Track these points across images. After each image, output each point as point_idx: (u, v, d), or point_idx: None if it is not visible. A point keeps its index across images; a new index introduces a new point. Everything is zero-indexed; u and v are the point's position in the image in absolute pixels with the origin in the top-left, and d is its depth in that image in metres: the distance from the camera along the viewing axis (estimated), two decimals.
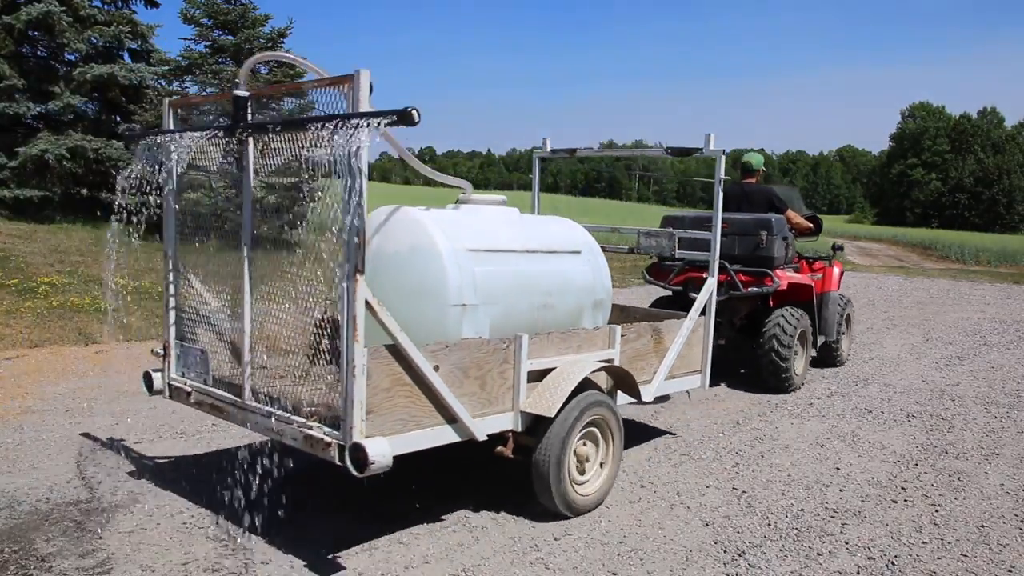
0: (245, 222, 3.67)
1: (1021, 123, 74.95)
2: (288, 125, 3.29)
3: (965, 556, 3.49)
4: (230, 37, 15.58)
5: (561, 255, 4.17)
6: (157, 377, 3.95)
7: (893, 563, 3.38)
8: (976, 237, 37.33)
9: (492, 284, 3.68)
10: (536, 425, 3.60)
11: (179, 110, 4.14)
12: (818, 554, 3.45)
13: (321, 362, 3.16)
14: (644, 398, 4.28)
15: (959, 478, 4.53)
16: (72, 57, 15.64)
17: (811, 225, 7.14)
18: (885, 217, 70.96)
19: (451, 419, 3.26)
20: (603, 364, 3.91)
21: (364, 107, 2.85)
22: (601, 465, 3.92)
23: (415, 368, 3.06)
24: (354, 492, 3.85)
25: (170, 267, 4.04)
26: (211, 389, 3.66)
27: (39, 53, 15.64)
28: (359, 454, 2.79)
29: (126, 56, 16.62)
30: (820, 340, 7.17)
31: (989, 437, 5.41)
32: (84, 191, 15.77)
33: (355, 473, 2.83)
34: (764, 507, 3.96)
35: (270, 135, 3.45)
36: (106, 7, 16.24)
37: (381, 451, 2.82)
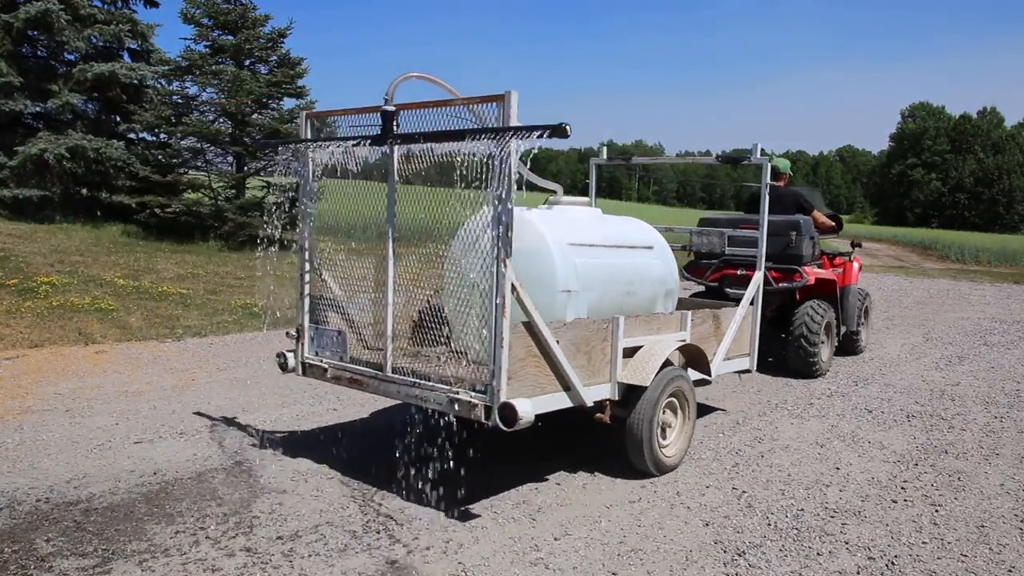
0: (389, 219, 4.16)
1: (1021, 123, 74.95)
2: (439, 136, 3.71)
3: (965, 556, 3.49)
4: (230, 37, 15.58)
5: (639, 249, 4.81)
6: (291, 357, 4.50)
7: (893, 563, 3.39)
8: (976, 237, 37.34)
9: (588, 274, 4.28)
10: (628, 395, 4.19)
11: (314, 121, 4.62)
12: (818, 554, 3.45)
13: (453, 341, 3.83)
14: (712, 375, 4.89)
15: (959, 478, 4.53)
16: (72, 56, 15.65)
17: (833, 224, 7.76)
18: (885, 217, 70.97)
19: (567, 387, 3.83)
20: (682, 343, 4.55)
21: (514, 122, 3.36)
22: (679, 431, 4.55)
23: (543, 342, 3.65)
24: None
25: (305, 261, 4.57)
26: (349, 365, 4.21)
27: (38, 52, 15.64)
28: (508, 412, 3.35)
29: (126, 56, 16.63)
30: (843, 330, 7.75)
31: (989, 437, 5.41)
32: (84, 191, 15.78)
33: (504, 428, 3.37)
34: (764, 507, 3.96)
35: (418, 144, 3.84)
36: (106, 6, 16.25)
37: (526, 409, 3.38)
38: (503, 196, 3.36)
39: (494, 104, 3.50)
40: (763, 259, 5.64)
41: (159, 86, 15.91)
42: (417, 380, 3.82)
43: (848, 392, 6.67)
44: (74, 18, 14.99)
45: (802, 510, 3.95)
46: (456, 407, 3.58)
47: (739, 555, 3.40)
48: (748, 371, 5.66)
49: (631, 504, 3.94)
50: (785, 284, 6.96)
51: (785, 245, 6.96)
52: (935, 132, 72.88)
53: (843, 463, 4.73)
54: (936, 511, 4.00)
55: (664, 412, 4.36)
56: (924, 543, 3.61)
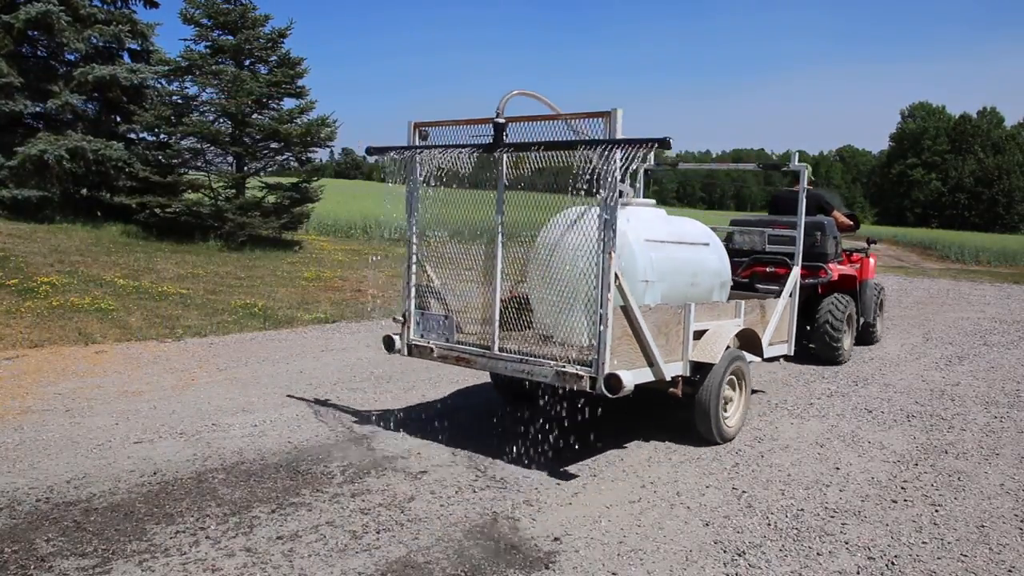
0: (498, 218, 4.63)
1: (1021, 123, 74.93)
2: (552, 146, 4.24)
3: (965, 556, 3.49)
4: (230, 37, 15.59)
5: (697, 246, 5.41)
6: (397, 339, 5.00)
7: (893, 563, 3.39)
8: (976, 237, 37.32)
9: (661, 267, 4.86)
10: (696, 372, 4.79)
11: (420, 130, 5.03)
12: (818, 554, 3.45)
13: (535, 325, 4.69)
14: (764, 356, 5.59)
15: (959, 478, 4.53)
16: (72, 57, 15.65)
17: (851, 223, 8.50)
18: (885, 217, 70.91)
19: (651, 363, 4.40)
20: (740, 328, 5.20)
21: (619, 135, 3.91)
22: (737, 405, 5.20)
23: (635, 324, 4.23)
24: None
25: (412, 255, 5.05)
26: (456, 345, 4.75)
27: (39, 52, 15.64)
28: (614, 381, 3.89)
29: (126, 56, 16.63)
30: (861, 321, 8.40)
31: (989, 437, 5.40)
32: (84, 191, 15.78)
33: (608, 395, 3.91)
34: (764, 507, 3.96)
35: (528, 153, 4.37)
36: (106, 6, 16.25)
37: (628, 379, 3.93)
38: (609, 200, 3.90)
39: (600, 119, 4.05)
40: (800, 255, 6.28)
41: (159, 86, 15.92)
42: (524, 356, 4.36)
43: (848, 392, 6.67)
44: (74, 18, 14.99)
45: (802, 510, 3.95)
46: (562, 379, 4.12)
47: (739, 555, 3.40)
48: (788, 356, 6.20)
49: (631, 504, 3.94)
50: (811, 279, 7.53)
51: (811, 244, 7.45)
52: (935, 132, 72.82)
53: (843, 463, 4.73)
54: (936, 511, 4.00)
55: (725, 388, 4.98)
56: (924, 543, 3.61)
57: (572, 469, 4.43)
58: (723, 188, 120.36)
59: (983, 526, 3.83)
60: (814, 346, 7.82)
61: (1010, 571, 3.36)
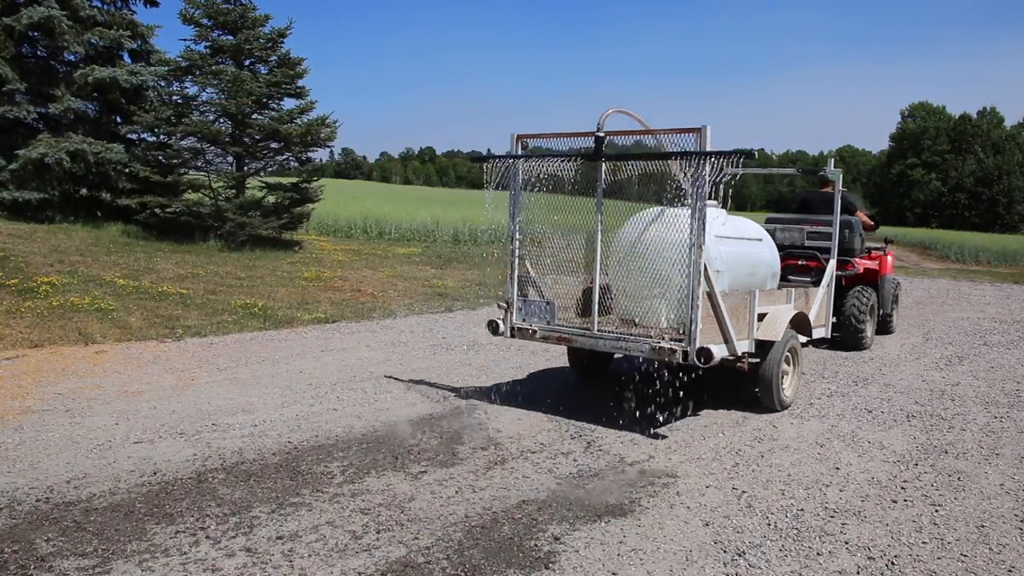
0: (598, 218, 5.46)
1: (1021, 123, 74.88)
2: (648, 156, 5.05)
3: (965, 556, 3.49)
4: (230, 37, 15.58)
5: (754, 241, 6.32)
6: (501, 323, 5.77)
7: (893, 563, 3.38)
8: (976, 237, 37.32)
9: (728, 259, 5.65)
10: (759, 349, 5.56)
11: (522, 141, 5.76)
12: (818, 554, 3.45)
13: (615, 310, 5.68)
14: (811, 337, 6.62)
15: (959, 478, 4.53)
16: (72, 58, 15.64)
17: (872, 223, 9.51)
18: (885, 217, 70.68)
19: (726, 340, 5.13)
20: (795, 312, 6.06)
21: (708, 148, 4.61)
22: (791, 377, 6.07)
23: (716, 306, 4.98)
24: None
25: (515, 250, 5.78)
26: (557, 327, 5.56)
27: (39, 54, 15.64)
28: (705, 353, 4.69)
29: (126, 56, 16.62)
30: (880, 312, 9.31)
31: (989, 437, 5.40)
32: (84, 191, 15.78)
33: (700, 365, 4.74)
34: (764, 507, 3.96)
35: (624, 162, 5.23)
36: (106, 7, 16.24)
37: (716, 352, 4.76)
38: (699, 203, 4.65)
39: (691, 135, 4.72)
40: (835, 251, 7.41)
41: (159, 87, 15.91)
42: (621, 335, 5.22)
43: (848, 392, 6.67)
44: (74, 20, 14.98)
45: (802, 510, 3.95)
46: (657, 353, 4.91)
47: (739, 555, 3.40)
48: (825, 339, 7.03)
49: (631, 504, 3.94)
50: (840, 272, 8.26)
51: (841, 240, 8.11)
52: (935, 132, 72.73)
53: (843, 463, 4.73)
54: (936, 511, 4.00)
55: (783, 363, 5.79)
56: (924, 543, 3.60)
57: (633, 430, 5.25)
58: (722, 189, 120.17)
59: (983, 526, 3.83)
60: (839, 334, 8.45)
61: (1010, 571, 3.36)
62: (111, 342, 7.50)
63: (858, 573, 3.29)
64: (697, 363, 4.74)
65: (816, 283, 7.40)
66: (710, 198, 5.30)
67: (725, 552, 3.43)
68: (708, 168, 4.58)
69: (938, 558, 3.46)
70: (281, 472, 4.21)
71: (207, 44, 15.57)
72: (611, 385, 6.39)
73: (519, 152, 5.74)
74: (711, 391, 6.26)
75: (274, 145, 15.98)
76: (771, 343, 5.63)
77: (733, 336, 5.15)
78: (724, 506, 3.96)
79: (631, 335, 5.19)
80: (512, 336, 5.79)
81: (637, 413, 5.38)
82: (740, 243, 6.03)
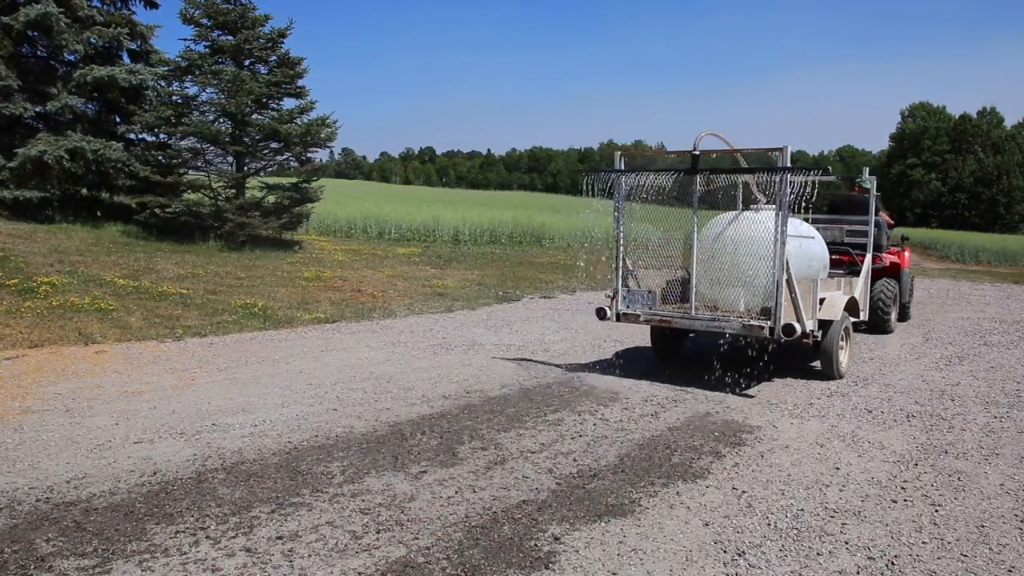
0: (693, 220, 6.75)
1: (1021, 123, 74.88)
2: (738, 171, 6.63)
3: (965, 556, 3.49)
4: (230, 37, 15.58)
5: (809, 238, 7.47)
6: (608, 309, 6.98)
7: (893, 563, 3.38)
8: (976, 237, 37.31)
9: (794, 253, 6.42)
10: (821, 327, 6.70)
11: (624, 157, 6.98)
12: (818, 554, 3.45)
13: (695, 298, 6.79)
14: (860, 318, 8.25)
15: (959, 478, 4.52)
16: (71, 58, 15.64)
17: (892, 221, 10.98)
18: None
19: (798, 319, 6.10)
20: (848, 297, 7.53)
21: (787, 164, 5.81)
22: (845, 351, 7.36)
23: (793, 291, 6.07)
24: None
25: (620, 248, 6.96)
26: (659, 311, 6.86)
27: (38, 53, 15.64)
28: (789, 328, 5.95)
29: (125, 57, 16.62)
30: (900, 300, 10.52)
31: (989, 437, 5.40)
32: (84, 191, 15.78)
33: (784, 338, 6.00)
34: (764, 507, 3.96)
35: (717, 175, 6.87)
36: (105, 7, 16.24)
37: (796, 327, 5.96)
38: (781, 210, 5.84)
39: (776, 153, 6.01)
40: (871, 246, 8.98)
41: (159, 87, 15.91)
42: (716, 316, 6.50)
43: (848, 392, 6.67)
44: (73, 20, 14.98)
45: (802, 510, 3.95)
46: (748, 330, 6.22)
47: (739, 555, 3.40)
48: (864, 322, 8.55)
49: (631, 503, 3.94)
50: (874, 265, 9.37)
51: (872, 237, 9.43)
52: (935, 132, 72.69)
53: (843, 463, 4.72)
54: (936, 511, 4.00)
55: (839, 339, 7.01)
56: (924, 543, 3.60)
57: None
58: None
59: (983, 526, 3.83)
60: (868, 319, 9.30)
61: (1010, 571, 3.36)
62: (111, 342, 7.50)
63: (858, 573, 3.29)
64: (783, 337, 6.02)
65: (854, 274, 8.75)
66: (769, 204, 6.63)
67: (725, 552, 3.42)
68: (787, 181, 5.79)
69: (938, 558, 3.46)
70: (281, 472, 4.21)
71: (207, 44, 15.57)
72: (683, 361, 7.85)
73: (622, 167, 6.95)
74: (775, 365, 7.40)
75: (274, 145, 15.98)
76: (830, 322, 6.84)
77: (804, 317, 6.19)
78: (724, 506, 3.96)
79: (725, 315, 6.51)
80: (618, 320, 6.99)
81: (716, 378, 6.73)
82: (800, 240, 7.09)
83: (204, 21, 15.41)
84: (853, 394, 6.59)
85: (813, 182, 5.94)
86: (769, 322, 6.07)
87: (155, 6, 17.37)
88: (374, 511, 3.73)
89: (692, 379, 6.87)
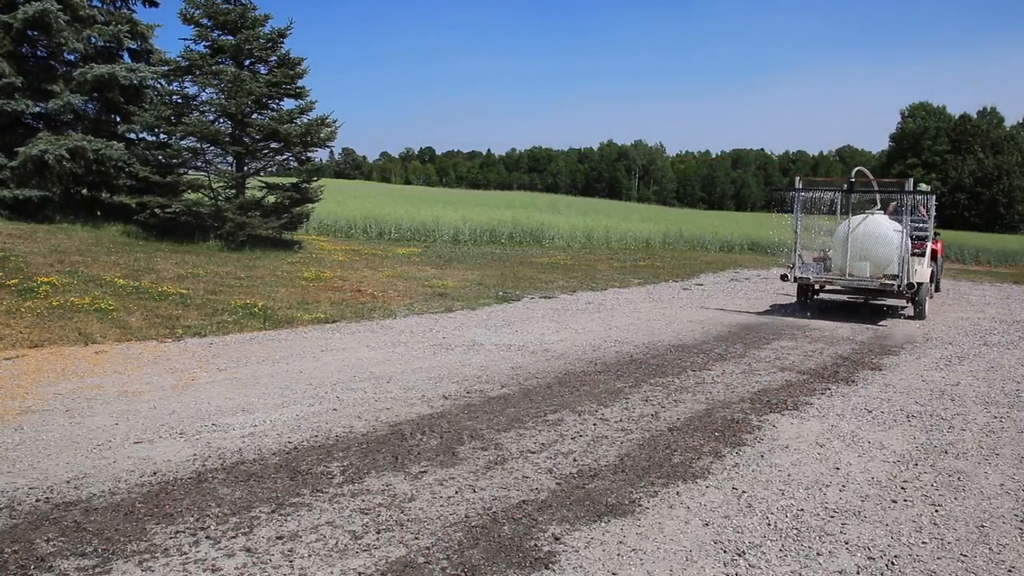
0: (848, 222, 11.63)
1: (1021, 123, 74.86)
2: (875, 191, 12.93)
3: (965, 556, 3.49)
4: (230, 37, 15.58)
5: (897, 231, 11.22)
6: (789, 275, 11.64)
7: (893, 563, 3.38)
8: (976, 237, 37.33)
9: (900, 241, 11.04)
10: (916, 287, 11.11)
11: (803, 181, 12.40)
12: (818, 554, 3.45)
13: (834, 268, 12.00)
14: (934, 283, 14.11)
15: (959, 478, 4.53)
16: (71, 57, 15.65)
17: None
18: None
19: (908, 279, 10.84)
20: (930, 268, 12.61)
21: (910, 188, 11.68)
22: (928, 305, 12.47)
23: (905, 260, 10.92)
24: None
25: (797, 240, 11.80)
26: (826, 275, 11.70)
27: (38, 52, 15.64)
28: (910, 284, 10.90)
29: (125, 56, 16.63)
30: (936, 278, 14.84)
31: (989, 437, 5.40)
32: (84, 191, 15.78)
33: (908, 292, 11.03)
34: (764, 507, 3.96)
35: (863, 192, 12.93)
36: (105, 7, 16.24)
37: (914, 285, 11.04)
38: (905, 215, 11.04)
39: (909, 180, 11.79)
40: (931, 237, 13.22)
41: (159, 86, 15.91)
42: (863, 278, 11.14)
43: (848, 392, 6.67)
44: (73, 18, 14.98)
45: (802, 510, 3.95)
46: (884, 285, 10.97)
47: (739, 555, 3.40)
48: (936, 291, 13.84)
49: (631, 503, 3.94)
50: (921, 251, 12.68)
51: (923, 230, 13.23)
52: (935, 132, 72.71)
53: (843, 463, 4.72)
54: (936, 511, 4.00)
55: (927, 294, 11.89)
56: (924, 543, 3.60)
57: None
58: (723, 189, 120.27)
59: (983, 526, 3.83)
60: (938, 288, 14.45)
61: (1010, 571, 3.36)
62: (111, 342, 7.50)
63: (858, 573, 3.29)
64: (908, 289, 10.83)
65: (921, 255, 12.48)
66: (880, 210, 12.08)
67: (725, 552, 3.42)
68: (908, 198, 11.30)
69: (938, 558, 3.46)
70: (281, 472, 4.21)
71: (207, 44, 15.57)
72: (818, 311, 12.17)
73: (799, 186, 12.20)
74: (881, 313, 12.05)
75: (274, 145, 15.98)
76: (921, 284, 11.30)
77: (911, 278, 10.90)
78: (724, 506, 3.96)
79: (867, 277, 11.17)
80: (795, 281, 11.74)
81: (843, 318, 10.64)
82: (895, 231, 11.32)
83: (204, 21, 15.41)
84: (853, 394, 6.59)
85: (924, 195, 12.07)
86: (896, 281, 10.87)
87: (155, 5, 17.40)
88: (374, 511, 3.73)
89: (830, 318, 11.55)
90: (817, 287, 11.94)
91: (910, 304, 11.79)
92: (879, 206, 12.30)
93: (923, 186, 13.36)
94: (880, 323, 11.08)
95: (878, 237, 11.17)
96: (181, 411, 5.32)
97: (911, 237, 11.88)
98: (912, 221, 12.10)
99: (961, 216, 66.50)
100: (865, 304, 12.95)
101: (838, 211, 12.84)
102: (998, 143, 70.26)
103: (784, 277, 11.69)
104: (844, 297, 12.97)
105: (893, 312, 12.34)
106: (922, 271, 11.43)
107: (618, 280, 15.68)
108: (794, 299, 12.43)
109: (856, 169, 12.43)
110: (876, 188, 12.88)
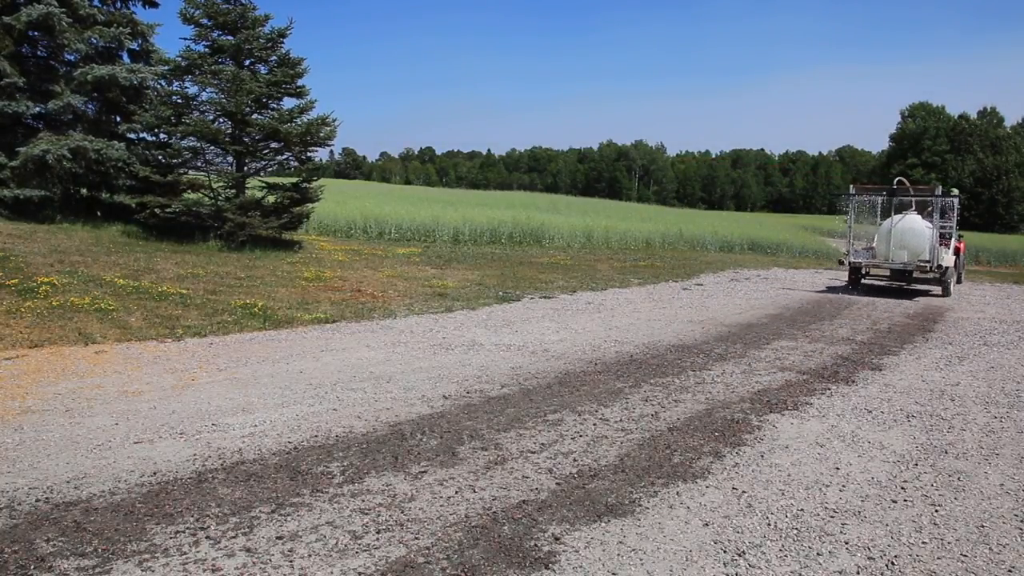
0: (891, 220, 15.93)
1: (1021, 123, 74.87)
2: (916, 195, 17.13)
3: (965, 556, 3.49)
4: (230, 37, 15.58)
5: (928, 227, 15.26)
6: (845, 260, 16.40)
7: (893, 563, 3.38)
8: (976, 237, 37.33)
9: (930, 235, 15.17)
10: (943, 269, 15.28)
11: (857, 188, 17.49)
12: (818, 554, 3.45)
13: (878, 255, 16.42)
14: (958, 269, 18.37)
15: (959, 478, 4.53)
16: (72, 57, 15.64)
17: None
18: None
19: (939, 263, 15.17)
20: (955, 255, 17.10)
21: (939, 192, 15.99)
22: (953, 283, 16.96)
23: (935, 248, 15.04)
24: None
25: (851, 233, 16.53)
26: (871, 261, 15.87)
27: (39, 53, 15.64)
28: (940, 267, 15.09)
29: (126, 56, 16.62)
30: (959, 272, 18.07)
31: (989, 437, 5.40)
32: (84, 191, 15.78)
33: (937, 275, 15.28)
34: (764, 507, 3.96)
35: (904, 198, 17.10)
36: (105, 7, 16.23)
37: (943, 267, 15.36)
38: (937, 216, 15.29)
39: (939, 186, 17.19)
40: (955, 234, 16.76)
41: (159, 86, 15.91)
42: (904, 262, 15.14)
43: (848, 392, 6.67)
44: (74, 19, 14.98)
45: (802, 510, 3.95)
46: (919, 268, 14.99)
47: (739, 555, 3.40)
48: (959, 283, 17.77)
49: (631, 503, 3.94)
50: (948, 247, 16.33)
51: (951, 228, 16.44)
52: (935, 132, 72.74)
53: (843, 463, 4.73)
54: (936, 511, 4.00)
55: (953, 276, 16.34)
56: (924, 543, 3.61)
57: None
58: (723, 189, 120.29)
59: (983, 526, 3.83)
60: (960, 280, 17.72)
61: (1010, 571, 3.36)
62: (111, 342, 7.50)
63: (858, 573, 3.29)
64: (939, 270, 14.75)
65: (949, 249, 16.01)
66: (915, 211, 16.05)
67: (725, 552, 3.43)
68: (938, 202, 15.29)
69: (938, 558, 3.46)
70: (281, 472, 4.21)
71: (207, 44, 15.57)
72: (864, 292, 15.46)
73: (853, 192, 16.78)
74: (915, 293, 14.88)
75: (274, 145, 15.98)
76: (947, 267, 14.88)
77: (940, 262, 14.61)
78: (724, 506, 3.96)
79: (905, 261, 14.82)
80: (849, 266, 15.80)
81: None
82: (927, 228, 14.84)
83: (204, 21, 15.41)
84: (853, 394, 6.60)
85: (953, 200, 16.07)
86: (931, 264, 14.47)
87: (154, 5, 17.38)
88: (374, 511, 3.73)
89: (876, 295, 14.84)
90: (865, 271, 16.03)
91: (939, 287, 15.59)
92: (914, 208, 16.17)
93: (954, 190, 17.49)
94: (915, 299, 14.90)
95: (914, 231, 15.02)
96: (181, 411, 5.32)
97: (939, 234, 15.77)
98: (941, 221, 15.95)
99: (961, 216, 66.31)
100: (899, 291, 16.27)
101: (879, 213, 17.12)
102: (997, 143, 70.25)
103: (841, 262, 16.63)
104: (883, 283, 16.42)
105: (925, 294, 15.98)
106: (948, 257, 15.33)
107: (618, 280, 15.69)
108: (844, 281, 16.83)
109: (897, 179, 17.63)
110: (912, 193, 16.85)
